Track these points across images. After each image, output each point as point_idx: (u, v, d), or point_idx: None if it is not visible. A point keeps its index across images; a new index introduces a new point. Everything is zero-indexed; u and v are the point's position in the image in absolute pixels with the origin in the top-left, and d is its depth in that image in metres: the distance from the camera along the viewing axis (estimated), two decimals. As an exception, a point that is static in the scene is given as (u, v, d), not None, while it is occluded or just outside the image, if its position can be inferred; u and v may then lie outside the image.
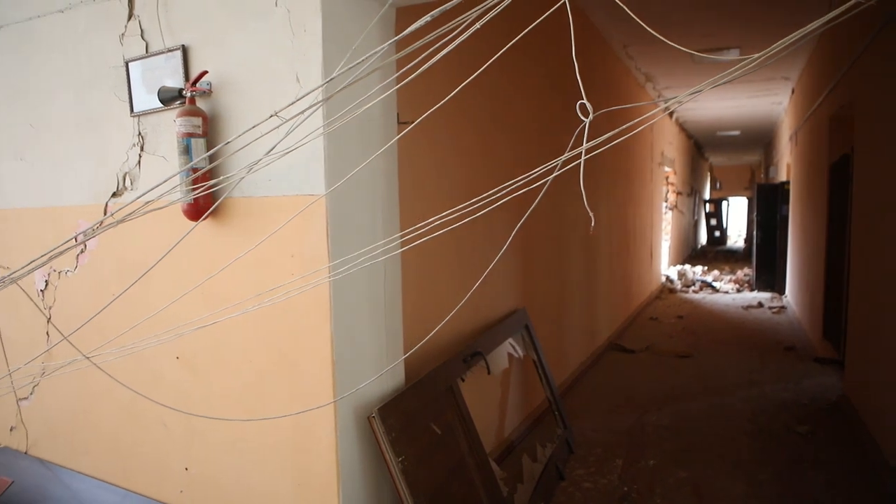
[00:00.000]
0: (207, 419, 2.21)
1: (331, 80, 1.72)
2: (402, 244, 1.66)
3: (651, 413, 4.80)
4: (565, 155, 1.60)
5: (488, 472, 2.62)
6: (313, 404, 1.99)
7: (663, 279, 11.76)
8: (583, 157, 1.53)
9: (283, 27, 2.00)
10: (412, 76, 1.68)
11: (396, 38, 1.63)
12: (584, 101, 1.41)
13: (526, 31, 1.60)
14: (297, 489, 2.08)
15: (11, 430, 2.82)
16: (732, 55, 6.89)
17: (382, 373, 2.14)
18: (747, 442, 4.23)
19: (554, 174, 1.64)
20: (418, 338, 2.47)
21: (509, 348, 3.45)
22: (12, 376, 2.35)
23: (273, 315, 2.03)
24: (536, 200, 1.75)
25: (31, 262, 2.14)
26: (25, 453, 2.80)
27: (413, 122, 1.73)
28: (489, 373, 3.03)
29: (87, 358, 1.97)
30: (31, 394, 2.71)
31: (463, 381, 2.75)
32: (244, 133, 1.70)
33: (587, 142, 1.27)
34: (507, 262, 3.89)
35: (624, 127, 1.45)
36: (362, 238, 2.06)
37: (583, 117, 1.42)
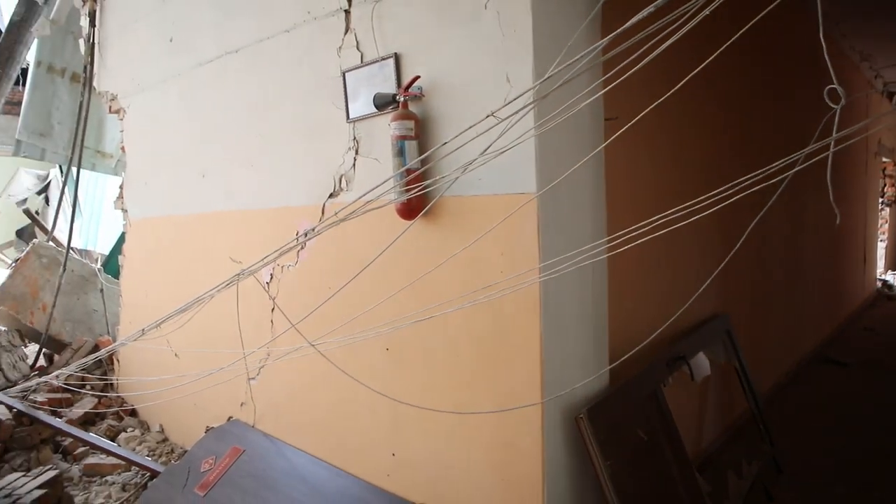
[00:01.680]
0: (414, 409, 2.31)
1: (547, 78, 1.71)
2: (614, 247, 1.61)
3: (871, 437, 4.25)
4: (809, 147, 1.45)
5: (693, 484, 2.48)
6: (519, 402, 2.01)
7: (879, 284, 10.40)
8: (831, 149, 1.38)
9: (492, 28, 2.03)
10: (631, 71, 1.62)
11: (618, 31, 1.59)
12: (835, 84, 1.26)
13: (761, 15, 1.48)
14: (501, 484, 2.10)
15: (242, 405, 3.17)
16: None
17: (594, 377, 2.11)
18: None
19: (795, 168, 1.50)
20: (623, 340, 2.39)
21: (710, 354, 3.24)
22: (246, 359, 2.64)
23: (481, 312, 2.07)
24: (775, 196, 1.61)
25: (265, 258, 2.38)
26: (253, 426, 3.13)
27: (615, 118, 1.67)
28: (693, 379, 2.86)
29: (312, 345, 2.15)
30: (257, 374, 3.03)
31: (665, 386, 2.62)
32: (461, 133, 1.74)
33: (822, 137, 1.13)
34: (708, 263, 3.65)
35: (874, 118, 1.28)
36: (572, 238, 2.04)
37: (832, 104, 1.27)
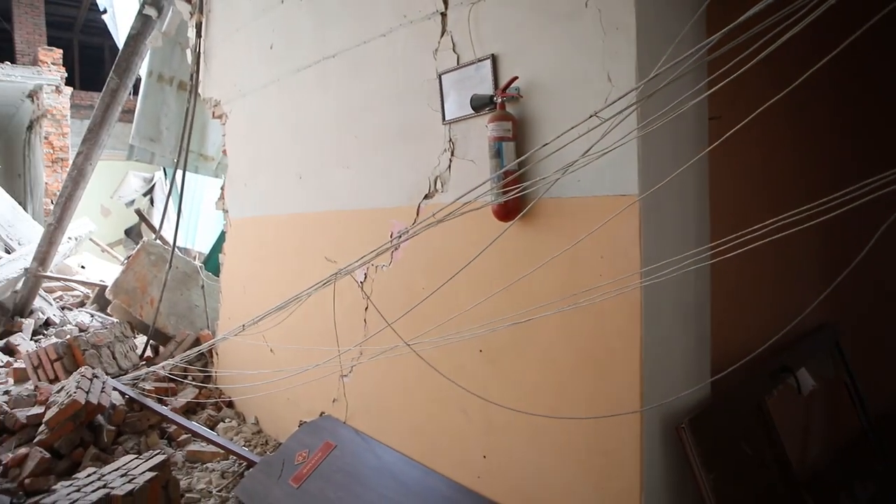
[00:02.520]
0: (506, 411, 2.29)
1: (653, 77, 1.66)
2: (718, 253, 1.54)
3: None
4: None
5: (801, 503, 2.34)
6: (617, 409, 1.95)
7: None
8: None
9: (593, 27, 1.99)
10: (740, 70, 1.55)
11: (730, 26, 1.52)
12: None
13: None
14: (595, 493, 2.06)
15: (333, 401, 3.25)
16: None
17: (697, 387, 2.03)
18: None
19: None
20: (725, 349, 2.29)
21: (817, 366, 3.05)
22: (340, 357, 2.71)
23: (578, 315, 2.03)
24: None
25: (362, 258, 2.43)
26: (344, 423, 3.20)
27: (718, 117, 1.60)
28: (800, 392, 2.70)
29: (408, 345, 2.18)
30: (350, 372, 3.10)
31: (770, 398, 2.49)
32: (563, 134, 1.72)
33: None
34: (814, 269, 3.45)
35: None
36: (674, 242, 1.97)
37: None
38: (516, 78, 2.19)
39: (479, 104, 2.25)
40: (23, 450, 3.36)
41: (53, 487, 3.05)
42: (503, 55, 2.29)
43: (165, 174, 11.35)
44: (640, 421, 1.91)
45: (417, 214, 2.64)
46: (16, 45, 12.56)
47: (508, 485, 2.36)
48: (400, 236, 2.65)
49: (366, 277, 2.95)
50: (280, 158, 3.63)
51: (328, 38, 3.18)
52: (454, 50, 2.47)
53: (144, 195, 11.94)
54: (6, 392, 4.29)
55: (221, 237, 4.60)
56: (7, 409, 3.70)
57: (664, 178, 1.81)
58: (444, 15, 2.51)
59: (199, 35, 4.44)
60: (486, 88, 2.32)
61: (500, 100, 2.20)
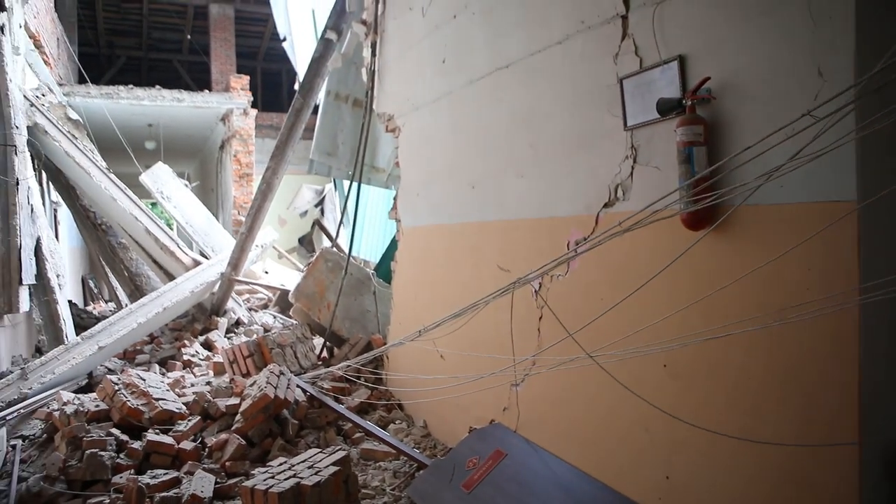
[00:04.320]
0: (692, 431, 2.16)
1: (878, 71, 1.49)
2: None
3: None
4: None
5: None
6: (828, 437, 1.77)
7: None
8: None
9: (800, 18, 1.83)
10: None
11: None
12: None
13: None
14: (799, 528, 1.87)
15: (504, 409, 3.27)
16: None
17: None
18: None
19: None
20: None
21: None
22: (515, 366, 2.71)
23: (781, 332, 1.87)
24: None
25: (542, 267, 2.42)
26: (515, 431, 3.20)
27: None
28: None
29: (591, 357, 2.12)
30: (522, 381, 3.09)
31: None
32: (770, 135, 1.59)
33: None
34: None
35: None
36: (901, 252, 1.75)
37: None
38: (708, 79, 2.07)
39: (667, 108, 2.16)
40: (223, 435, 3.74)
41: (251, 472, 3.36)
42: (691, 56, 2.18)
43: (336, 186, 12.16)
44: (859, 453, 1.71)
45: (596, 223, 2.58)
46: (212, 75, 14.16)
47: (694, 510, 2.22)
48: (577, 245, 2.61)
49: (540, 287, 2.93)
50: (453, 169, 3.73)
51: (501, 50, 3.23)
52: (636, 53, 2.39)
53: (316, 206, 12.88)
54: (208, 383, 4.80)
55: (392, 245, 4.82)
56: (210, 398, 4.13)
57: (884, 182, 1.61)
58: (624, 18, 2.45)
59: (373, 54, 4.70)
60: (673, 91, 2.22)
61: (689, 102, 2.09)
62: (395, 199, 4.58)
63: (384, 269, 5.40)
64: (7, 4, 5.16)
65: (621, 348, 2.24)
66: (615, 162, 2.49)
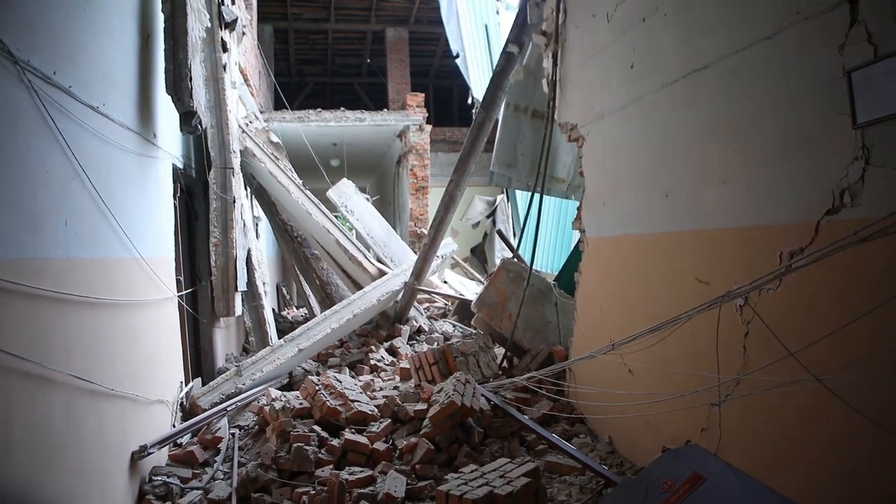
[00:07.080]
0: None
1: None
2: None
3: None
4: None
5: None
6: None
7: None
8: None
9: None
10: None
11: None
12: None
13: None
14: None
15: (702, 431, 3.06)
16: None
17: None
18: None
19: None
20: None
21: None
22: (720, 385, 2.53)
23: None
24: None
25: (754, 281, 2.24)
26: (714, 454, 2.99)
27: None
28: None
29: (817, 379, 1.92)
30: (724, 400, 2.88)
31: None
32: None
33: None
34: None
35: None
36: None
37: None
38: (968, 64, 1.80)
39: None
40: (413, 439, 3.89)
41: (440, 476, 3.47)
42: (943, 39, 1.91)
43: (508, 197, 12.28)
44: None
45: (816, 232, 2.34)
46: (389, 95, 15.01)
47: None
48: (793, 256, 2.38)
49: (746, 300, 2.72)
50: (643, 177, 3.60)
51: (697, 50, 3.06)
52: (869, 41, 2.14)
53: (487, 217, 13.09)
54: (396, 387, 5.05)
55: (573, 255, 4.75)
56: (399, 402, 4.33)
57: None
58: (853, 3, 2.20)
59: (555, 64, 4.68)
60: (918, 81, 1.96)
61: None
62: (578, 209, 4.51)
63: (565, 279, 5.34)
64: (228, 46, 5.85)
65: (851, 371, 2.00)
66: (841, 164, 2.25)
